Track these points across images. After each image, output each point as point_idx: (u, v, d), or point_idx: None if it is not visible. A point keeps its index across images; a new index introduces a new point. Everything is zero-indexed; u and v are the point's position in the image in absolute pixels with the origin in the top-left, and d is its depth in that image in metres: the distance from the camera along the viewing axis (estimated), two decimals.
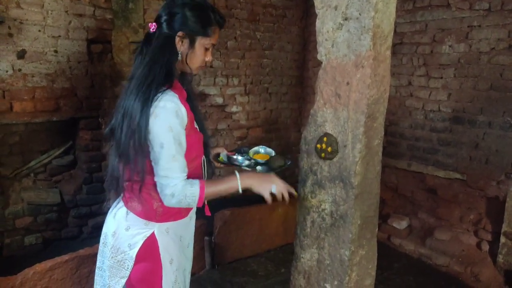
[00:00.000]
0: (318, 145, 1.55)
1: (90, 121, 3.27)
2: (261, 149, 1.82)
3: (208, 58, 1.45)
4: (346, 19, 1.46)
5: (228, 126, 4.17)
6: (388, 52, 1.48)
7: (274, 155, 1.74)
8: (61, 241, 3.27)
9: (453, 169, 3.37)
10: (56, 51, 3.00)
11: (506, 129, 3.01)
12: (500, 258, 3.12)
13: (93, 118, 3.28)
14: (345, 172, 1.48)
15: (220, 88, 4.01)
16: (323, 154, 1.53)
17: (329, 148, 1.51)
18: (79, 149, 3.32)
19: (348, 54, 1.47)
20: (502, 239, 3.10)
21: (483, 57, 3.10)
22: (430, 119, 3.53)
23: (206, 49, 1.43)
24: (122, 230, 1.44)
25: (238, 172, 1.46)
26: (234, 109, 4.16)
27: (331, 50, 1.53)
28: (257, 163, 1.67)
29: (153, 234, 1.44)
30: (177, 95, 1.35)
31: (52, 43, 2.98)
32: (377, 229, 1.61)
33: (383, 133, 1.54)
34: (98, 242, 1.61)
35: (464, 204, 3.40)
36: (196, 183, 1.38)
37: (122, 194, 1.48)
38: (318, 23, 1.56)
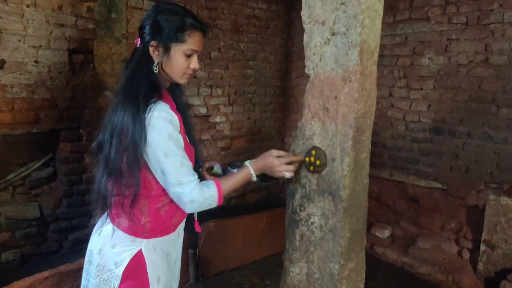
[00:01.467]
0: (307, 158, 1.56)
1: (71, 132, 3.21)
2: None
3: (194, 65, 1.42)
4: (333, 34, 1.48)
5: (212, 136, 4.15)
6: (375, 67, 1.51)
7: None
8: (41, 257, 3.17)
9: (434, 178, 3.43)
10: (36, 61, 2.94)
11: (485, 140, 3.09)
12: (480, 266, 3.18)
13: (74, 129, 3.22)
14: (334, 185, 1.49)
15: (204, 99, 4.00)
16: (311, 167, 1.54)
17: (317, 161, 1.52)
18: (59, 161, 3.24)
19: (335, 68, 1.49)
20: (482, 247, 3.17)
21: (462, 69, 3.19)
22: (410, 130, 3.60)
23: (188, 56, 1.39)
24: (108, 247, 1.41)
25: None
26: (218, 119, 4.15)
27: (319, 64, 1.54)
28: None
29: (140, 252, 1.41)
30: (168, 105, 1.34)
31: (33, 53, 2.92)
32: (365, 242, 1.62)
33: (370, 146, 1.56)
34: (80, 257, 1.57)
35: (445, 212, 3.47)
36: (211, 184, 1.38)
37: (108, 211, 1.45)
38: (305, 37, 1.58)
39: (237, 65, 4.18)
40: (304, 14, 1.57)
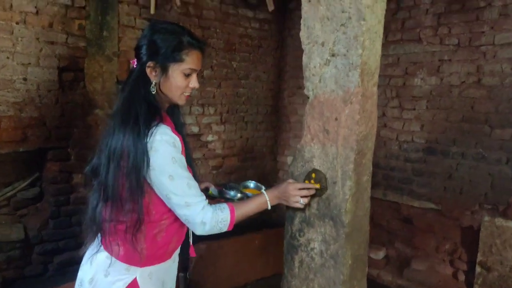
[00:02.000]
0: (306, 181, 1.51)
1: (59, 152, 3.12)
2: (251, 183, 1.80)
3: (193, 84, 1.38)
4: (333, 55, 1.46)
5: (204, 155, 4.09)
6: (375, 88, 1.48)
7: (265, 189, 1.70)
8: (24, 280, 3.03)
9: (427, 199, 3.41)
10: (25, 79, 2.87)
11: (478, 160, 3.09)
12: None
13: (62, 148, 3.13)
14: (335, 210, 1.44)
15: (196, 117, 3.95)
16: None
17: (318, 184, 1.47)
18: (46, 181, 3.14)
19: (336, 89, 1.46)
20: (478, 269, 3.13)
21: (454, 90, 3.20)
22: (404, 150, 3.60)
23: (187, 75, 1.35)
24: (100, 276, 1.33)
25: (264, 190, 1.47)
26: (210, 138, 4.10)
27: (319, 85, 1.52)
28: (248, 197, 1.63)
29: (135, 281, 1.34)
30: (169, 127, 1.30)
31: (21, 70, 2.85)
32: (367, 268, 1.57)
33: (371, 169, 1.53)
34: (66, 281, 1.50)
35: (440, 233, 3.43)
36: (226, 208, 1.35)
37: (102, 238, 1.37)
38: (304, 58, 1.55)
39: (229, 83, 4.16)
40: (303, 35, 1.55)
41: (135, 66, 1.37)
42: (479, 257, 3.13)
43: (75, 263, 3.16)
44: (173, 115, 1.48)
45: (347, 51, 1.41)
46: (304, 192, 1.46)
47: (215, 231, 1.34)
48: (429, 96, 3.38)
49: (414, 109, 3.48)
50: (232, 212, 1.35)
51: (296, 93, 4.47)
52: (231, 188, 1.77)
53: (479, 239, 3.12)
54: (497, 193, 3.01)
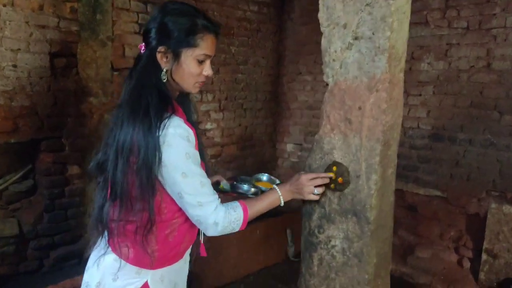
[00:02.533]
0: None
1: (52, 142, 2.97)
2: (264, 176, 1.71)
3: (207, 72, 1.27)
4: (356, 38, 1.35)
5: None
6: (402, 74, 1.38)
7: (279, 183, 1.61)
8: (19, 276, 2.91)
9: (433, 186, 3.35)
10: (15, 66, 2.70)
11: (486, 147, 3.02)
12: (482, 275, 3.10)
13: (56, 138, 2.98)
14: (359, 206, 1.35)
15: (194, 105, 3.82)
16: (332, 185, 1.39)
17: (339, 178, 1.37)
18: (39, 173, 3.00)
19: (359, 76, 1.35)
20: (484, 256, 3.09)
21: (463, 74, 3.11)
22: (409, 136, 3.51)
23: (200, 62, 1.24)
24: (108, 280, 1.24)
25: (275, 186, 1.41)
26: (208, 126, 3.97)
27: (339, 72, 1.40)
28: (263, 192, 1.54)
29: (146, 284, 1.25)
30: (182, 119, 1.19)
31: (11, 57, 2.68)
32: (390, 265, 1.49)
33: (396, 161, 1.43)
34: (63, 277, 1.40)
35: (444, 221, 3.38)
36: (238, 206, 1.26)
37: (108, 238, 1.27)
38: (324, 42, 1.43)
39: (228, 69, 4.01)
40: (322, 16, 1.43)
41: (143, 51, 1.24)
42: (486, 245, 3.09)
43: (72, 258, 3.10)
44: (183, 104, 1.36)
45: (373, 33, 1.30)
46: (318, 181, 1.38)
47: (228, 231, 1.26)
48: (436, 81, 3.28)
49: (420, 94, 3.38)
50: (245, 211, 1.27)
51: (295, 79, 4.35)
52: (243, 181, 1.68)
53: (486, 226, 3.08)
54: (506, 180, 2.94)
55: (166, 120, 1.14)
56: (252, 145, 4.41)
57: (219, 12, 3.84)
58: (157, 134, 1.12)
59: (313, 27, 4.15)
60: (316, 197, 1.40)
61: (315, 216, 1.48)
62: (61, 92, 2.96)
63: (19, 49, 2.72)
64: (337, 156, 1.41)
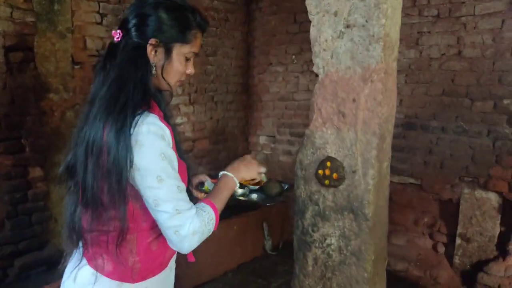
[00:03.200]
0: (320, 171, 1.34)
1: (11, 143, 2.74)
2: None
3: (190, 70, 1.18)
4: (348, 26, 1.28)
5: None
6: (395, 64, 1.33)
7: (268, 180, 1.53)
8: None
9: (408, 174, 3.38)
10: None
11: (459, 134, 3.07)
12: (456, 259, 3.18)
13: (15, 139, 2.76)
14: (355, 202, 1.29)
15: None
16: (327, 181, 1.33)
17: (334, 174, 1.31)
18: None
19: (352, 66, 1.28)
20: (458, 241, 3.17)
21: (434, 63, 3.13)
22: None
23: (187, 59, 1.16)
24: None
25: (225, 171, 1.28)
26: (178, 120, 3.82)
27: (330, 62, 1.33)
28: (252, 191, 1.46)
29: None
30: (157, 116, 1.07)
31: None
32: (386, 261, 1.45)
33: (390, 154, 1.38)
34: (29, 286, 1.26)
35: (418, 208, 3.43)
36: (205, 205, 1.13)
37: (84, 250, 1.14)
38: (313, 30, 1.36)
39: (197, 60, 3.79)
40: (310, 3, 1.35)
41: (117, 39, 1.12)
42: (459, 229, 3.16)
43: (39, 265, 2.90)
44: (159, 102, 1.24)
45: (366, 21, 1.23)
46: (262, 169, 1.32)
47: (205, 236, 1.12)
48: (407, 70, 3.29)
49: None
50: (212, 207, 1.15)
51: (266, 70, 4.26)
52: None
53: (459, 211, 3.14)
54: (478, 166, 3.01)
55: (138, 117, 1.02)
56: (224, 139, 4.30)
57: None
58: (129, 132, 1.01)
59: (283, 16, 4.08)
60: (259, 176, 1.31)
61: (308, 214, 1.41)
62: (19, 89, 2.74)
63: None
64: (330, 151, 1.34)
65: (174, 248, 1.12)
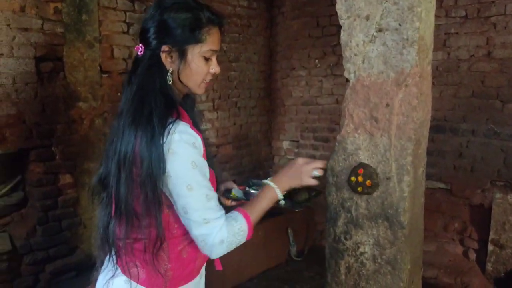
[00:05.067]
0: (353, 178, 1.32)
1: (42, 151, 2.81)
2: None
3: (214, 69, 1.16)
4: (380, 30, 1.25)
5: None
6: (430, 68, 1.29)
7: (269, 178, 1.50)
8: None
9: (437, 178, 3.30)
10: None
11: (490, 136, 2.98)
12: (489, 266, 3.08)
13: (46, 147, 2.82)
14: (390, 210, 1.26)
15: None
16: (359, 188, 1.30)
17: (367, 181, 1.28)
18: (30, 184, 2.84)
19: (385, 70, 1.26)
20: (490, 247, 3.07)
21: (463, 64, 3.06)
22: None
23: (207, 59, 1.13)
24: None
25: (269, 181, 1.23)
26: (203, 126, 3.85)
27: (362, 67, 1.31)
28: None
29: None
30: (188, 124, 1.08)
31: None
32: (422, 270, 1.41)
33: (426, 159, 1.35)
34: None
35: (448, 213, 3.35)
36: (238, 215, 1.12)
37: (116, 259, 1.15)
38: (343, 35, 1.34)
39: (220, 67, 3.85)
40: (340, 7, 1.33)
41: (140, 53, 1.12)
42: (492, 235, 3.06)
43: (69, 271, 2.95)
44: (188, 109, 1.24)
45: (400, 24, 1.21)
46: (318, 163, 1.21)
47: (234, 246, 1.12)
48: (435, 72, 3.22)
49: None
50: (246, 218, 1.13)
51: (289, 74, 4.25)
52: (254, 185, 1.57)
53: (491, 216, 3.05)
54: (511, 170, 2.92)
55: (171, 125, 1.03)
56: (247, 144, 4.31)
57: None
58: (161, 142, 1.01)
59: (305, 21, 4.06)
60: (316, 182, 1.22)
61: (340, 222, 1.39)
62: (49, 98, 2.81)
63: (2, 54, 2.55)
64: (363, 157, 1.32)
65: (204, 253, 1.13)
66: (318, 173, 1.20)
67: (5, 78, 2.57)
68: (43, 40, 2.74)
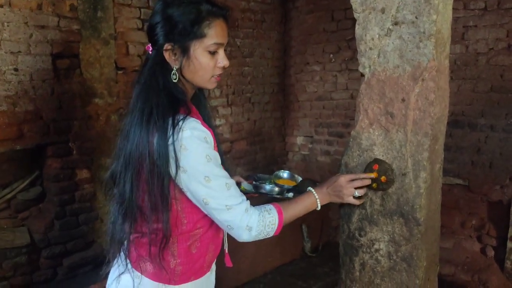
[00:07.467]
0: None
1: (59, 147, 2.86)
2: (284, 173, 1.61)
3: (222, 62, 1.14)
4: (396, 23, 1.23)
5: None
6: (447, 61, 1.26)
7: (302, 180, 1.51)
8: (33, 287, 2.82)
9: (454, 174, 3.25)
10: (16, 69, 2.57)
11: (509, 132, 2.91)
12: (508, 264, 3.02)
13: (63, 143, 2.87)
14: (406, 206, 1.24)
15: None
16: (374, 185, 1.29)
17: (382, 177, 1.27)
18: (47, 179, 2.89)
19: (401, 65, 1.23)
20: (509, 244, 3.01)
21: (481, 58, 2.99)
22: None
23: (213, 53, 1.11)
24: None
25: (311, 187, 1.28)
26: (217, 122, 3.85)
27: (377, 61, 1.29)
28: (287, 190, 1.45)
29: None
30: (198, 120, 1.08)
31: (11, 60, 2.55)
32: (438, 267, 1.39)
33: (443, 155, 1.32)
34: (76, 285, 1.31)
35: (465, 209, 3.29)
36: (273, 209, 1.15)
37: (126, 254, 1.17)
38: (358, 29, 1.32)
39: (234, 62, 3.88)
40: (355, 1, 1.31)
41: (150, 52, 1.13)
42: (511, 232, 3.00)
43: (86, 265, 3.00)
44: (199, 105, 1.25)
45: (416, 17, 1.18)
46: (358, 183, 1.26)
47: (262, 236, 1.15)
48: (453, 66, 3.15)
49: None
50: (280, 214, 1.16)
51: (303, 69, 4.22)
52: (260, 180, 1.58)
53: (510, 213, 2.98)
54: None
55: (181, 122, 1.04)
56: (261, 139, 4.30)
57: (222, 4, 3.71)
58: (170, 140, 1.02)
59: (320, 15, 4.02)
60: (356, 201, 1.29)
61: (354, 218, 1.37)
62: (66, 95, 2.85)
63: (20, 52, 2.59)
64: (378, 153, 1.30)
65: (233, 237, 1.16)
66: (358, 193, 1.26)
67: (23, 75, 2.62)
68: (60, 37, 2.77)
